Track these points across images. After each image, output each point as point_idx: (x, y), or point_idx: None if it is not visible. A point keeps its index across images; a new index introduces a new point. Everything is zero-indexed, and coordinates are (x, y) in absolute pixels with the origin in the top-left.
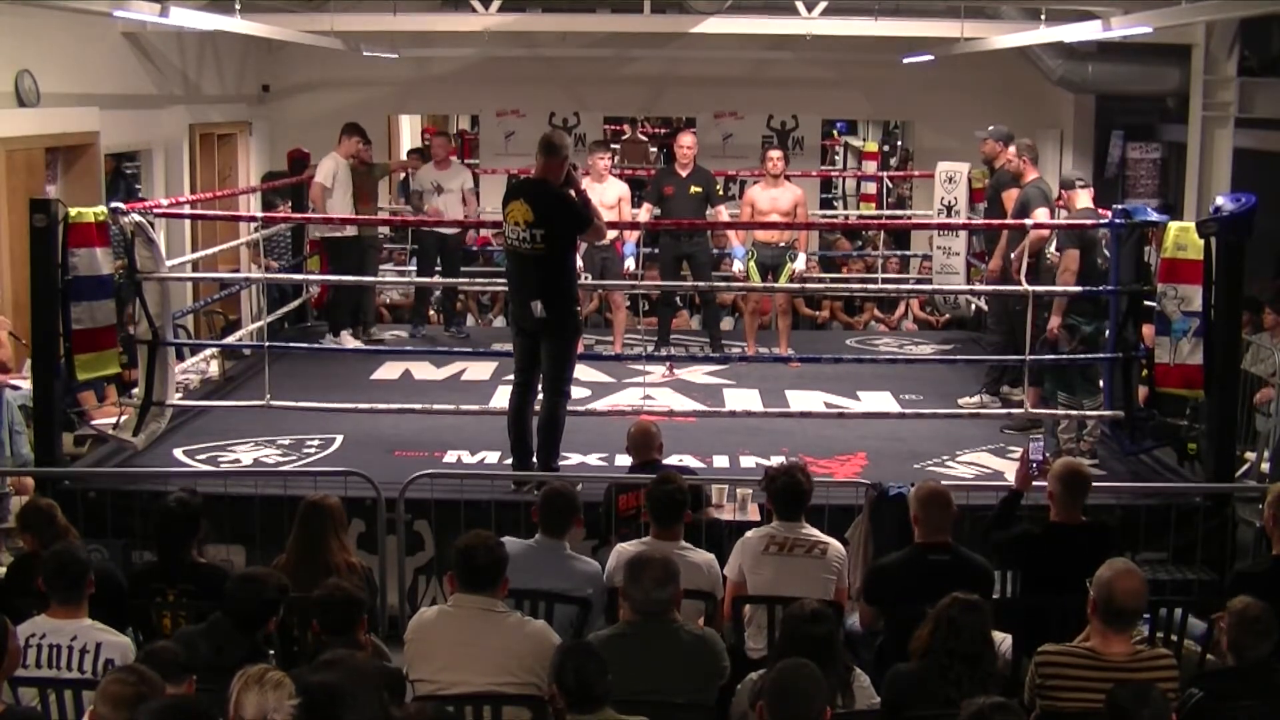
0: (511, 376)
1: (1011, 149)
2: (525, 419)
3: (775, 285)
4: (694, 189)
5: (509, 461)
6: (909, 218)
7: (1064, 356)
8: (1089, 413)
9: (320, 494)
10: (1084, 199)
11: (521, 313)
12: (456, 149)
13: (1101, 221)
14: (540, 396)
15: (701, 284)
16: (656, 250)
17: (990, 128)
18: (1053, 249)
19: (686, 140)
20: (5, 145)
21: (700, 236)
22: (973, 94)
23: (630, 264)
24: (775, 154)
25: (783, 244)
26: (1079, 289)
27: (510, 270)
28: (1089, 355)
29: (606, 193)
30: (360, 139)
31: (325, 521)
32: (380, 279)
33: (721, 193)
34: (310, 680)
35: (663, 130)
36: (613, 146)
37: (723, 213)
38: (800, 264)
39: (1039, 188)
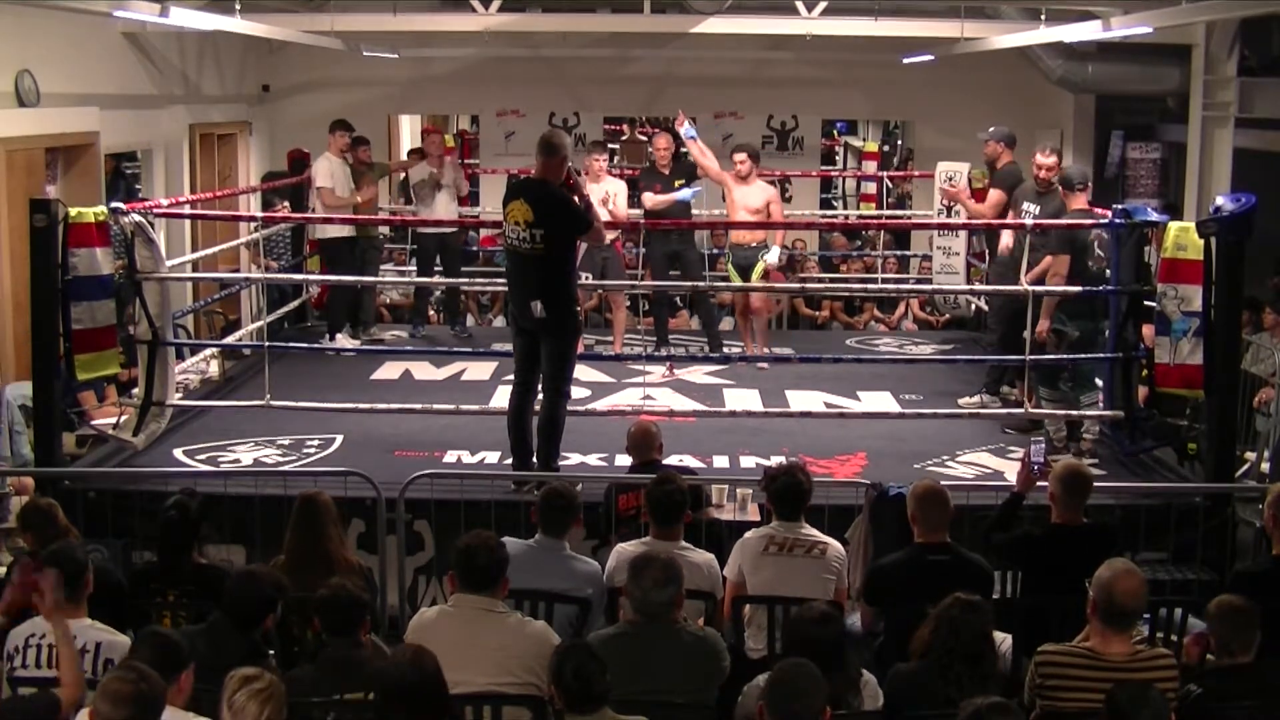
0: (512, 376)
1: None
2: (525, 419)
3: (777, 285)
4: (678, 183)
5: (509, 461)
6: (909, 218)
7: (1062, 357)
8: (1089, 412)
9: (313, 489)
10: (1080, 200)
11: (521, 312)
12: (455, 148)
13: (1101, 222)
14: (540, 396)
15: (701, 284)
16: (646, 250)
17: (991, 129)
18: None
19: (662, 143)
20: (5, 145)
21: (688, 234)
22: (973, 94)
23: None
24: (739, 156)
25: (755, 244)
26: (1078, 289)
27: (510, 269)
28: (1087, 355)
29: (603, 191)
30: (348, 134)
31: (323, 515)
32: (379, 279)
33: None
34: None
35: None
36: (611, 147)
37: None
38: (774, 257)
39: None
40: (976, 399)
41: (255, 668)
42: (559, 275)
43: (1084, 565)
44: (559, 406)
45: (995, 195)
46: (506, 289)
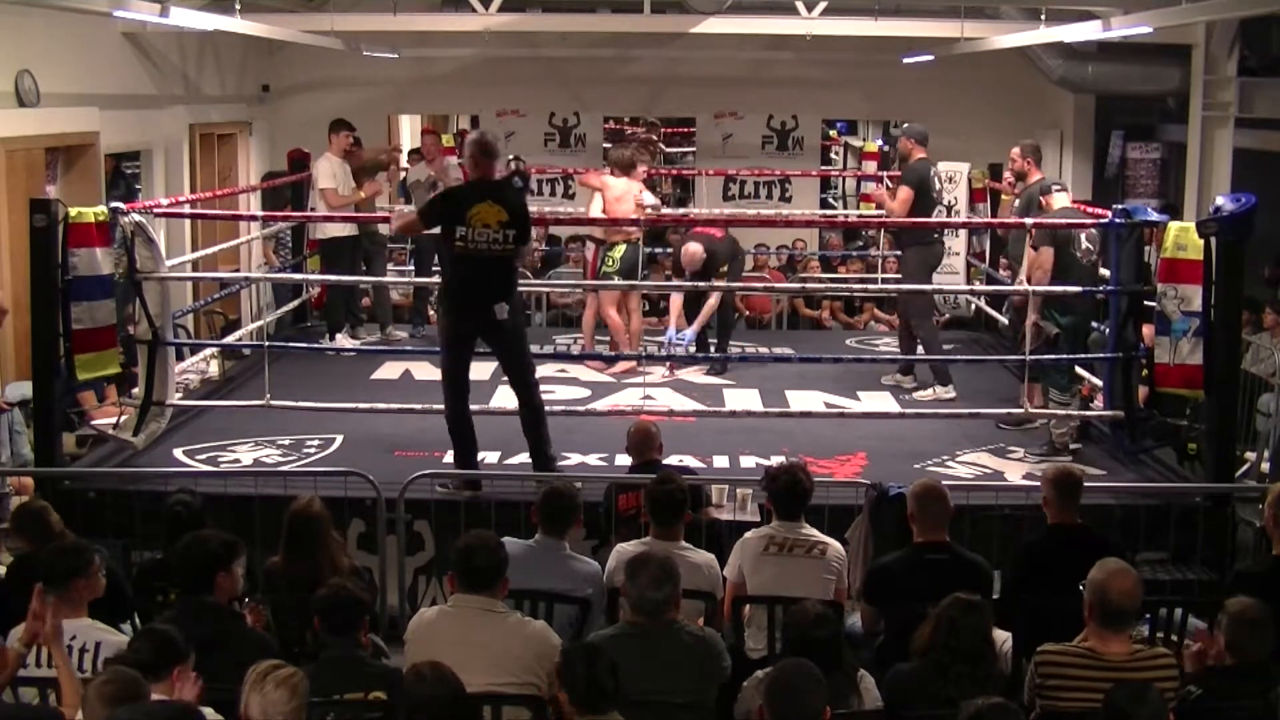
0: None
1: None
2: (470, 420)
3: (777, 285)
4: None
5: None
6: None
7: (1061, 357)
8: (1091, 412)
9: (305, 500)
10: (1061, 199)
11: (480, 315)
12: (456, 148)
13: (1101, 221)
14: (513, 396)
15: (700, 284)
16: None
17: (905, 125)
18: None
19: (685, 256)
20: (5, 145)
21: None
22: (973, 94)
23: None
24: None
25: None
26: (1077, 289)
27: (470, 274)
28: (1090, 355)
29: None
30: (349, 134)
31: (318, 527)
32: (385, 279)
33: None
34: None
35: (667, 131)
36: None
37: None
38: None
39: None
40: (892, 379)
41: (272, 660)
42: (515, 275)
43: (1084, 565)
44: (539, 395)
45: (904, 193)
46: (454, 298)
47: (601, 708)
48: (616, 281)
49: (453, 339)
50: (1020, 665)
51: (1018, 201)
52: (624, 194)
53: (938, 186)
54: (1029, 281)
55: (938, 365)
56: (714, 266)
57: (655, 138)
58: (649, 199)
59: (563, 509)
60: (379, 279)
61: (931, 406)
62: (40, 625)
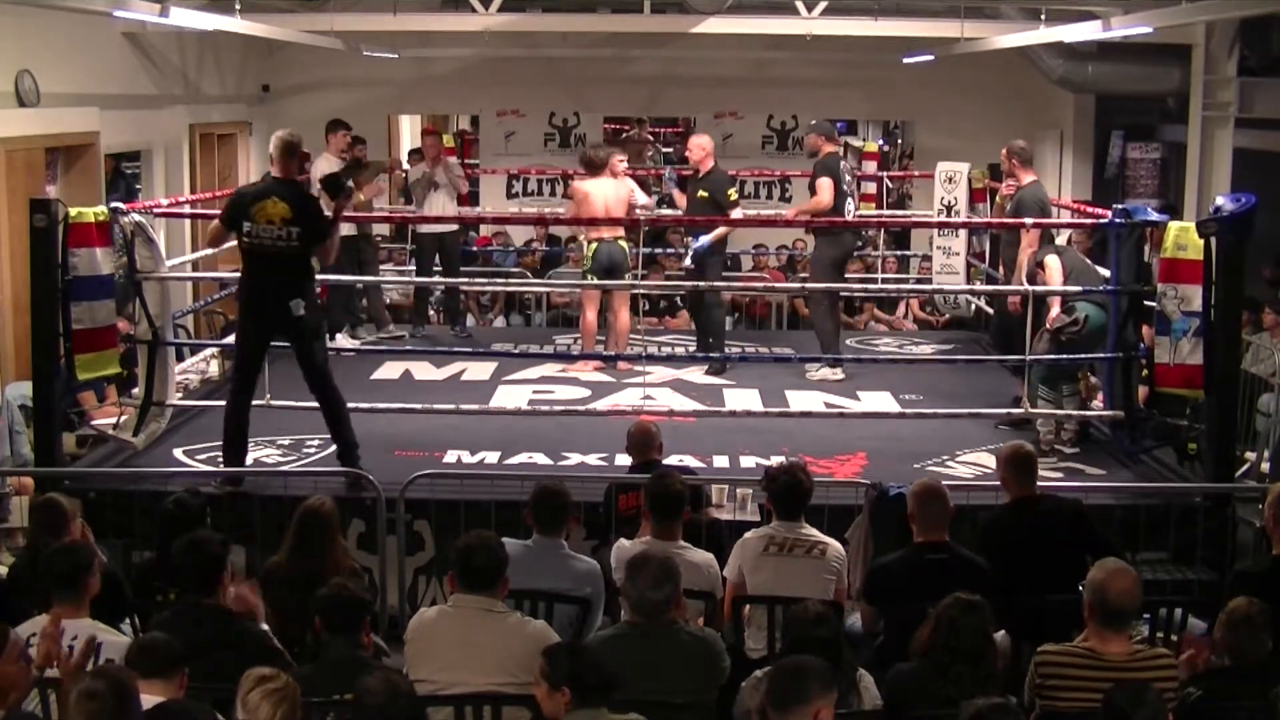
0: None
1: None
2: (246, 420)
3: (777, 285)
4: (700, 193)
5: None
6: (909, 218)
7: (1060, 356)
8: (1091, 412)
9: (318, 499)
10: (1055, 266)
11: (277, 313)
12: (455, 148)
13: (1102, 221)
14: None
15: (702, 284)
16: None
17: (813, 123)
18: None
19: (691, 141)
20: (5, 145)
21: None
22: (973, 94)
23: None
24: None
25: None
26: (1076, 289)
27: (257, 271)
28: (1087, 355)
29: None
30: (347, 133)
31: (327, 526)
32: (379, 278)
33: (734, 197)
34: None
35: (663, 130)
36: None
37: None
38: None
39: (1034, 193)
40: (824, 371)
41: (271, 668)
42: (310, 274)
43: (1054, 528)
44: (337, 392)
45: (825, 184)
46: (246, 295)
47: (599, 700)
48: (614, 282)
49: (246, 337)
50: (1019, 665)
51: (1009, 204)
52: (586, 197)
53: (847, 179)
54: (1031, 282)
55: (830, 348)
56: (722, 188)
57: (649, 136)
58: (641, 198)
59: (555, 507)
60: (373, 279)
61: (930, 406)
62: (53, 645)
